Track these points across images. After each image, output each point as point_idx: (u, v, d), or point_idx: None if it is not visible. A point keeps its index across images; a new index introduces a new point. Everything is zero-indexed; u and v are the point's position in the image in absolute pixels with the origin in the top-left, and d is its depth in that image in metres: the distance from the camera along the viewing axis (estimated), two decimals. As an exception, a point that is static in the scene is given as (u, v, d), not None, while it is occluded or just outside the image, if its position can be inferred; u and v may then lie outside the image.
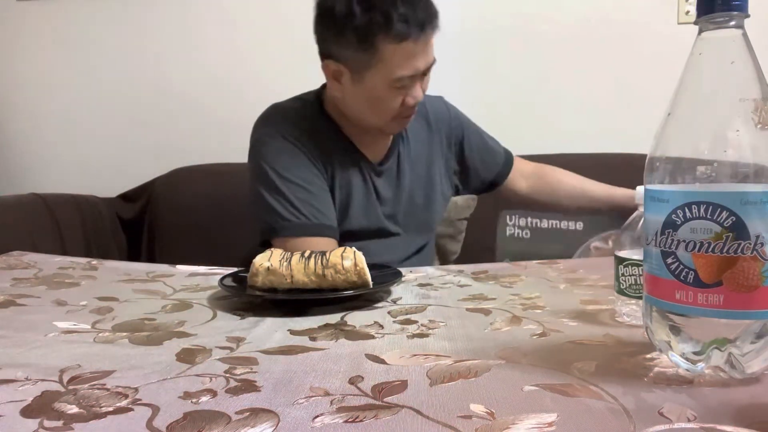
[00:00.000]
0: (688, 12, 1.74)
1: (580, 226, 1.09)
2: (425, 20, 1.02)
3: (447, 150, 1.27)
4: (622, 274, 0.59)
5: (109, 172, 1.88)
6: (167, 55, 1.86)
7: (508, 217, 1.18)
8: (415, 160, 1.22)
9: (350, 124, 1.15)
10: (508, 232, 1.17)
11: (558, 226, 1.11)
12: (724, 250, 0.41)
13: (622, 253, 0.59)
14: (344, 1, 1.02)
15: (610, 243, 1.03)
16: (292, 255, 0.72)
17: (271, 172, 1.10)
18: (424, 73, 1.07)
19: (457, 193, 1.33)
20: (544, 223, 1.13)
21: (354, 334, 0.57)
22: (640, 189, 0.54)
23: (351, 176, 1.14)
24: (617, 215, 1.06)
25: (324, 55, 1.08)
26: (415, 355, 0.51)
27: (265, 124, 1.16)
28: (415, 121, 1.20)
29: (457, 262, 1.50)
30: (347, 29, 1.02)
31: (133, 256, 1.68)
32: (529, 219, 1.15)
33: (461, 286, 0.77)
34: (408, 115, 1.11)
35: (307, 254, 0.72)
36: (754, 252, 0.41)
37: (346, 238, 1.13)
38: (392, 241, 1.18)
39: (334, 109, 1.16)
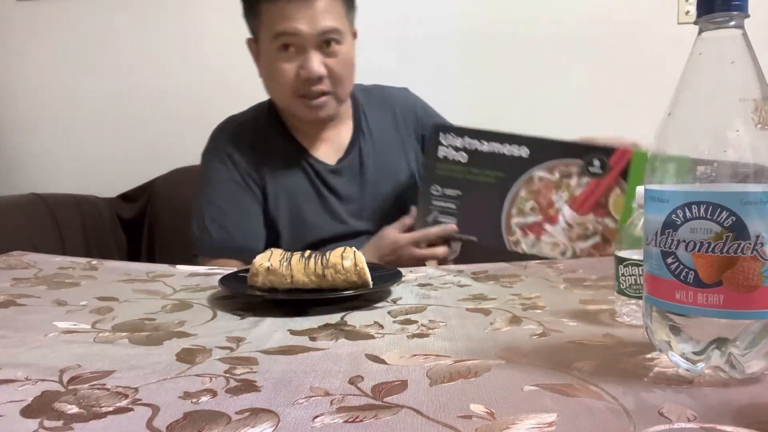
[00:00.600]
0: (688, 12, 1.74)
1: (525, 152, 0.97)
2: None
3: (415, 142, 1.26)
4: (622, 274, 0.59)
5: (109, 172, 1.88)
6: (167, 55, 1.86)
7: (441, 135, 1.02)
8: (381, 154, 1.20)
9: (301, 127, 1.15)
10: (440, 154, 1.01)
11: (500, 150, 0.98)
12: (724, 250, 0.41)
13: (622, 253, 0.59)
14: None
15: (557, 174, 0.97)
16: (292, 255, 0.72)
17: (199, 190, 1.15)
18: (322, 46, 1.04)
19: None
20: (484, 146, 0.99)
21: (354, 334, 0.57)
22: (640, 189, 0.54)
23: (297, 185, 1.13)
24: (567, 146, 0.98)
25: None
26: (415, 355, 0.51)
27: (212, 140, 1.19)
28: (380, 113, 1.21)
29: (457, 261, 1.49)
30: (244, 3, 1.08)
31: (133, 256, 1.68)
32: (467, 140, 1.00)
33: (461, 286, 0.77)
34: (307, 93, 1.07)
35: (307, 254, 0.72)
36: (754, 252, 0.41)
37: (313, 247, 1.11)
38: (364, 240, 1.15)
39: (285, 112, 1.16)
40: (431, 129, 1.05)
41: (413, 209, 1.06)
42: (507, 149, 0.98)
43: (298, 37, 1.03)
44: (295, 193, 1.13)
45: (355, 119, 1.21)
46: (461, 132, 1.01)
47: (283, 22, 1.02)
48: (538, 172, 0.97)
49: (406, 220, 1.07)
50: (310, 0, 1.01)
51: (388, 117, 1.23)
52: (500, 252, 0.98)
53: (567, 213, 0.97)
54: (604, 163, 0.95)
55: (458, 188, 1.00)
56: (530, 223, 0.98)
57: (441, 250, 1.04)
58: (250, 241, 1.10)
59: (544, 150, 0.98)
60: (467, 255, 1.46)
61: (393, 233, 1.05)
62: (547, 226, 0.97)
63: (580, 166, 0.96)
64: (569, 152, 0.97)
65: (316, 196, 1.14)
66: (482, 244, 1.02)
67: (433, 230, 1.00)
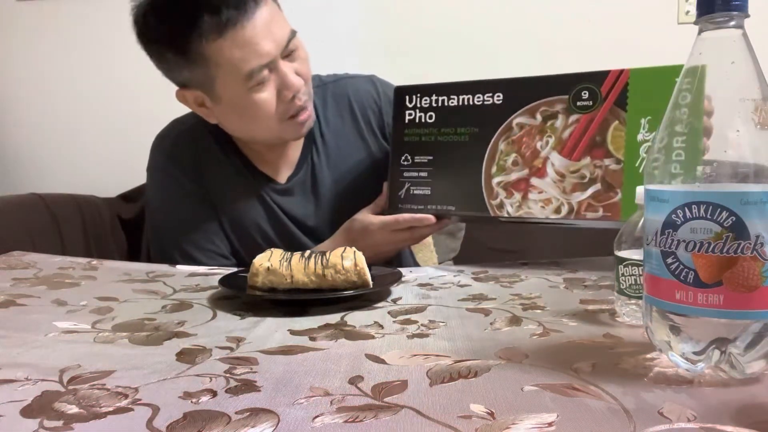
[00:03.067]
0: (688, 12, 1.74)
1: (499, 98, 0.83)
2: None
3: (379, 132, 1.08)
4: (622, 274, 0.59)
5: (109, 172, 1.88)
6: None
7: (407, 97, 0.89)
8: (336, 163, 1.06)
9: (247, 142, 1.04)
10: (407, 118, 0.89)
11: (470, 101, 0.85)
12: (724, 250, 0.41)
13: (622, 253, 0.59)
14: (141, 21, 0.89)
15: (539, 116, 0.82)
16: (292, 255, 0.72)
17: (150, 208, 1.08)
18: (287, 55, 0.91)
19: None
20: (453, 101, 0.86)
21: (354, 334, 0.57)
22: (639, 189, 0.54)
23: (247, 205, 1.03)
24: (546, 81, 0.83)
25: (177, 85, 0.97)
26: (415, 355, 0.51)
27: (156, 152, 1.08)
28: (336, 114, 1.07)
29: (457, 259, 1.49)
30: (162, 50, 0.90)
31: (133, 256, 1.68)
32: (434, 97, 0.87)
33: (461, 286, 0.77)
34: (297, 113, 0.94)
35: (307, 254, 0.72)
36: (754, 252, 0.41)
37: None
38: None
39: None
40: (395, 93, 0.92)
41: (385, 186, 0.95)
42: (479, 99, 0.85)
43: (269, 62, 0.88)
44: (244, 215, 1.03)
45: None
46: (428, 90, 0.88)
47: (249, 54, 0.86)
48: (517, 119, 0.83)
49: (380, 201, 0.94)
50: (254, 14, 0.85)
51: (346, 117, 1.07)
52: (482, 220, 0.87)
53: (557, 161, 0.81)
54: (594, 93, 0.79)
55: (429, 153, 0.88)
56: (514, 180, 0.83)
57: (416, 235, 0.93)
58: (220, 261, 1.02)
59: (521, 91, 0.83)
60: (468, 254, 1.46)
61: (365, 217, 0.92)
62: (535, 181, 0.82)
63: (566, 102, 0.80)
64: (550, 88, 0.82)
65: (267, 218, 1.03)
66: (461, 213, 0.89)
67: (405, 217, 0.88)
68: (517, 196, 0.84)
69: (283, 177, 1.05)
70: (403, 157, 0.90)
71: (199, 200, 1.03)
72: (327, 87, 1.10)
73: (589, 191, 0.80)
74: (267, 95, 0.90)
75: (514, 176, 0.84)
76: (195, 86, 0.93)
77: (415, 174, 0.89)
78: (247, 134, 1.00)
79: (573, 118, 0.81)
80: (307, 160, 1.05)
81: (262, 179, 1.04)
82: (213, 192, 1.03)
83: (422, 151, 0.89)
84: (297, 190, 1.05)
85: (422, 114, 0.88)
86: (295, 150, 1.05)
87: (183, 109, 1.14)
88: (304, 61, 0.94)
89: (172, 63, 0.92)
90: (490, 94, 0.84)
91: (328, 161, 1.06)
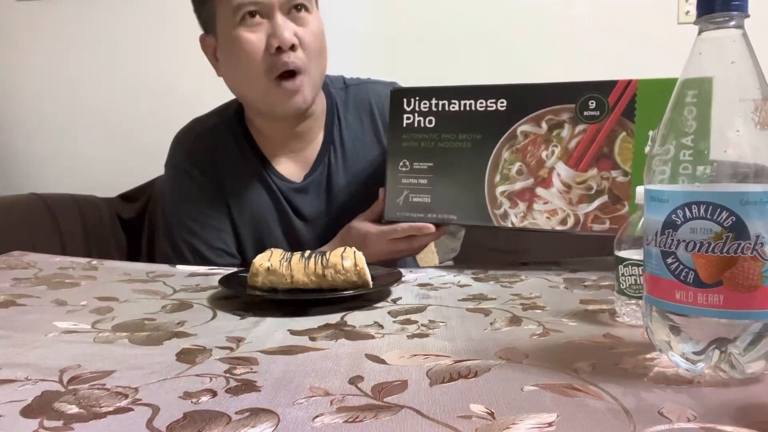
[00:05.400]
0: (688, 12, 1.74)
1: (502, 105, 0.82)
2: None
3: None
4: (622, 274, 0.59)
5: (109, 172, 1.88)
6: (167, 54, 1.86)
7: (405, 101, 0.87)
8: (353, 166, 1.07)
9: (267, 137, 1.06)
10: (405, 122, 0.87)
11: (473, 107, 0.83)
12: (724, 250, 0.41)
13: (622, 253, 0.59)
14: None
15: (544, 125, 0.81)
16: (292, 255, 0.72)
17: (164, 203, 1.10)
18: (289, 12, 0.93)
19: None
20: (454, 105, 0.84)
21: (354, 334, 0.57)
22: (640, 189, 0.54)
23: (260, 204, 1.04)
24: (552, 89, 0.82)
25: (202, 28, 1.02)
26: (415, 355, 0.51)
27: (175, 150, 1.11)
28: (356, 118, 1.08)
29: (457, 259, 1.49)
30: None
31: (133, 256, 1.68)
32: (434, 101, 0.85)
33: (461, 286, 0.77)
34: (283, 71, 0.93)
35: (307, 254, 0.72)
36: (754, 252, 0.41)
37: None
38: None
39: (252, 121, 1.07)
40: (391, 95, 0.90)
41: (381, 191, 0.93)
42: (481, 105, 0.83)
43: (263, 5, 0.91)
44: (257, 213, 1.05)
45: (327, 127, 1.07)
46: (427, 93, 0.86)
47: None
48: (522, 127, 0.82)
49: (377, 207, 0.93)
50: None
51: (365, 121, 1.09)
52: (485, 229, 0.86)
53: (563, 171, 0.80)
54: (601, 103, 0.78)
55: (429, 159, 0.86)
56: (518, 189, 0.82)
57: (416, 245, 0.92)
58: (229, 260, 1.03)
59: (526, 98, 0.82)
60: (468, 253, 1.46)
61: (363, 225, 0.93)
62: (540, 191, 0.81)
63: (573, 112, 0.80)
64: (556, 96, 0.81)
65: (278, 217, 1.05)
66: (463, 223, 0.89)
67: (403, 226, 0.88)
68: (522, 206, 0.83)
69: (299, 177, 1.06)
70: (401, 163, 0.89)
71: (213, 199, 1.05)
72: (349, 90, 1.11)
73: (596, 203, 0.80)
74: (254, 37, 0.92)
75: (518, 186, 0.83)
76: (209, 29, 0.99)
77: (414, 181, 0.87)
78: (239, 83, 1.00)
79: (580, 128, 0.80)
80: (324, 161, 1.07)
81: (279, 179, 1.05)
82: (228, 190, 1.05)
83: (422, 157, 0.88)
84: (311, 189, 1.06)
85: (421, 118, 0.87)
86: (313, 150, 1.07)
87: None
88: (312, 33, 0.95)
89: (196, 1, 0.98)
90: (494, 100, 0.83)
91: (345, 163, 1.07)
